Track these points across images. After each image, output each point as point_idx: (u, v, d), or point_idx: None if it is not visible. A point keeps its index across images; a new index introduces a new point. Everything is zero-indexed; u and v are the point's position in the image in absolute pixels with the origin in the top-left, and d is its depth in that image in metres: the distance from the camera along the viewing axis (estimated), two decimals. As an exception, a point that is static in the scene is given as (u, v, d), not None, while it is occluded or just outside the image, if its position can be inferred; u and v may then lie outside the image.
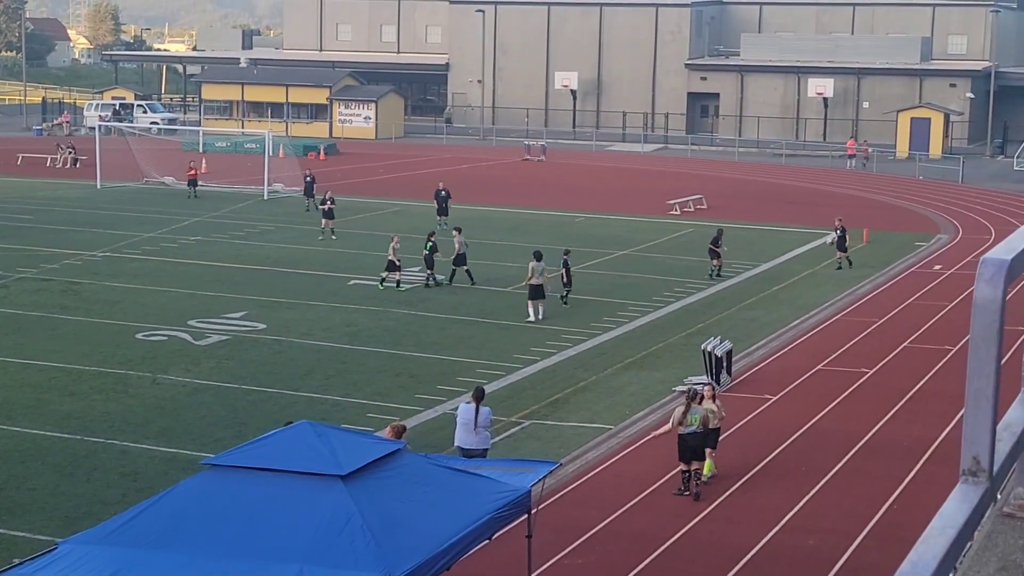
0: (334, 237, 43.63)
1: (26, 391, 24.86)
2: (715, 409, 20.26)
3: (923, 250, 45.49)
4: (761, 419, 24.00)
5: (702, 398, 20.21)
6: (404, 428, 18.13)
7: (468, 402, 19.51)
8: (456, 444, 19.27)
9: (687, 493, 19.49)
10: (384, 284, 35.32)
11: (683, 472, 19.64)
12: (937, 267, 41.60)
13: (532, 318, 32.01)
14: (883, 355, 29.20)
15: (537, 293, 32.14)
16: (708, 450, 19.99)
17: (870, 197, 61.21)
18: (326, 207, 44.24)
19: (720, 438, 20.65)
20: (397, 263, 35.21)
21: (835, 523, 18.53)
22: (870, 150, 76.45)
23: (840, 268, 40.39)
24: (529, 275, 32.30)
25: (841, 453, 21.78)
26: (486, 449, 19.07)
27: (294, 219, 47.45)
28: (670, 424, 19.86)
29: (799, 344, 30.53)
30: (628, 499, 19.40)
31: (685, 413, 19.59)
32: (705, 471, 19.99)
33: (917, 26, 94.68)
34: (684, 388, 25.25)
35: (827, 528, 18.35)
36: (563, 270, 33.60)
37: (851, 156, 76.30)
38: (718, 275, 38.51)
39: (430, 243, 36.09)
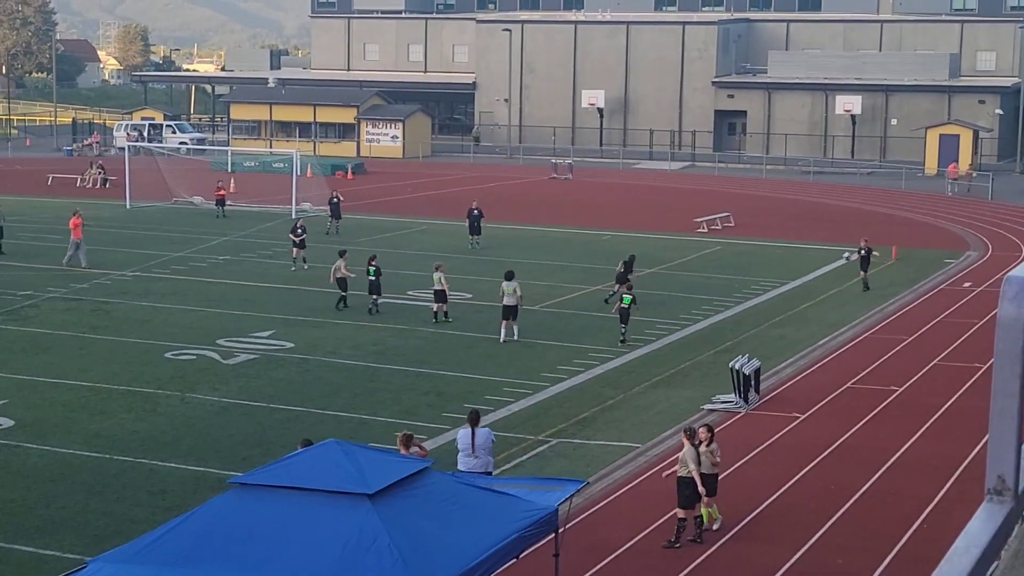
0: (306, 267, 41.63)
1: (56, 410, 25.00)
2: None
3: (953, 267, 45.22)
4: (790, 437, 23.89)
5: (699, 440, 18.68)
6: (411, 436, 17.82)
7: (465, 427, 18.85)
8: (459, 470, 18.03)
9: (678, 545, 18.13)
10: (440, 318, 33.60)
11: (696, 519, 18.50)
12: (967, 284, 41.34)
13: (503, 339, 31.41)
14: (912, 373, 29.04)
15: (509, 313, 31.53)
16: (708, 499, 18.54)
17: (899, 214, 60.93)
18: (298, 236, 42.17)
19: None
20: (447, 292, 33.82)
21: (864, 542, 18.41)
22: (974, 174, 73.42)
23: (867, 289, 39.75)
24: (501, 295, 31.62)
25: (870, 471, 21.65)
26: (489, 473, 18.14)
27: (321, 238, 47.56)
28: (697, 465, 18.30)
29: (828, 362, 30.40)
30: (656, 517, 19.32)
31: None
32: (707, 518, 18.71)
33: (945, 43, 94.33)
34: (713, 407, 25.19)
35: (856, 547, 18.23)
36: (619, 304, 31.89)
37: (954, 179, 72.40)
38: (607, 301, 35.59)
39: (372, 267, 34.85)
